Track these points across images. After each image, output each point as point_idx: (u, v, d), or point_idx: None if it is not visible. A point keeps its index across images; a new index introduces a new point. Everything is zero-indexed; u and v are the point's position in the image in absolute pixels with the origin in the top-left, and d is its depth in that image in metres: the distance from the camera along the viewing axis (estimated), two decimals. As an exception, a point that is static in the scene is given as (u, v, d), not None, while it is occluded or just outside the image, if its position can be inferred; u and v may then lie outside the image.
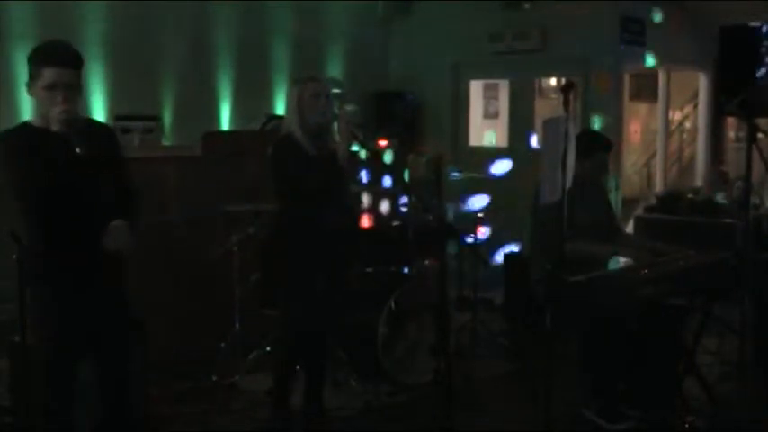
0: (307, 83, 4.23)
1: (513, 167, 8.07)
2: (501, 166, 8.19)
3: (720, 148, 9.14)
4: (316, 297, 4.20)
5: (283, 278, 4.26)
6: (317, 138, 4.19)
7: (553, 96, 9.21)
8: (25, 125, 3.34)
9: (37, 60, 3.20)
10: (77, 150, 3.10)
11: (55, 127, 3.12)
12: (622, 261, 4.45)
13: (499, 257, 7.26)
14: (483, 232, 6.25)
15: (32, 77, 3.21)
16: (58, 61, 3.18)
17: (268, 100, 7.65)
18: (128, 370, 3.57)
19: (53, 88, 3.16)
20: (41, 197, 3.16)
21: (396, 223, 6.13)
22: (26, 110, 6.10)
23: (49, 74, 3.16)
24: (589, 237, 4.38)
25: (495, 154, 8.30)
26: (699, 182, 8.99)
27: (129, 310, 3.55)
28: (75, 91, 3.22)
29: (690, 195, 8.26)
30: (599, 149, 4.65)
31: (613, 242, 4.67)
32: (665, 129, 8.99)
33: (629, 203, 8.41)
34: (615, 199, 7.60)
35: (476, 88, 8.79)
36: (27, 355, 3.61)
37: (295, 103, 4.18)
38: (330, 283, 4.26)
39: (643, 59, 7.84)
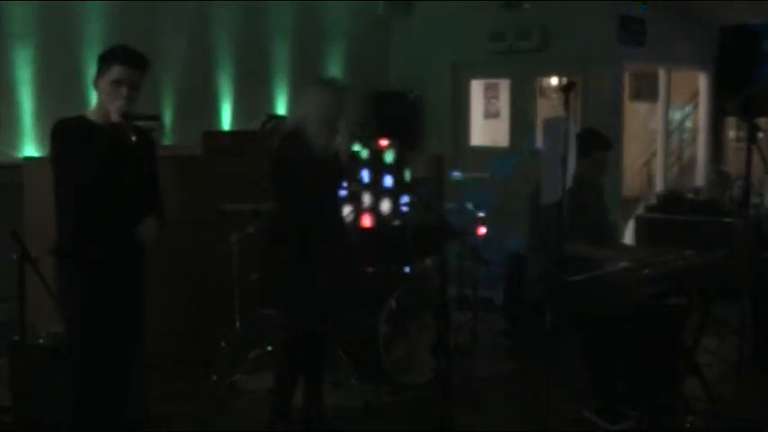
0: (330, 86, 4.23)
1: (515, 167, 8.05)
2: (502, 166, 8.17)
3: (720, 148, 9.13)
4: (316, 297, 4.20)
5: (283, 278, 4.25)
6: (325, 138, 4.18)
7: (554, 96, 9.20)
8: (81, 117, 3.59)
9: (107, 58, 3.53)
10: (133, 139, 3.40)
11: (114, 117, 3.41)
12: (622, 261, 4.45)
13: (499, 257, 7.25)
14: (483, 232, 6.22)
15: (100, 73, 3.53)
16: (126, 60, 3.50)
17: (268, 100, 7.65)
18: (130, 367, 3.63)
19: (118, 84, 3.46)
20: (89, 184, 3.40)
21: (396, 223, 6.12)
22: (26, 109, 6.11)
23: (116, 70, 3.47)
24: (585, 238, 4.37)
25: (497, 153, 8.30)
26: (699, 182, 8.99)
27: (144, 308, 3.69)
28: (136, 89, 3.52)
29: (690, 195, 8.26)
30: (599, 148, 4.65)
31: (608, 245, 4.67)
32: (665, 129, 8.98)
33: (629, 203, 8.39)
34: (615, 198, 7.60)
35: (476, 88, 8.78)
36: (27, 355, 3.63)
37: (315, 103, 4.16)
38: (330, 282, 4.25)
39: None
